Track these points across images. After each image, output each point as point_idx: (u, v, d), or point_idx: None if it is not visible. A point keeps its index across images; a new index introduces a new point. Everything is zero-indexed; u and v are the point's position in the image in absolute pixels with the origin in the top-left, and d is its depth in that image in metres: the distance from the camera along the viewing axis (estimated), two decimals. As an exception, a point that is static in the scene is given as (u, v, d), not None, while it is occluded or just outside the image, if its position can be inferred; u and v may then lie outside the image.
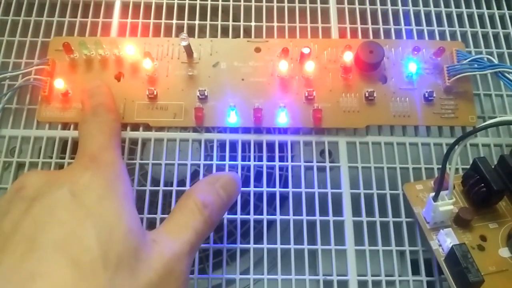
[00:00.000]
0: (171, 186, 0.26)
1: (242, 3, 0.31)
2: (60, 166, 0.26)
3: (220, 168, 0.27)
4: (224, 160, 0.27)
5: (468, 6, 0.32)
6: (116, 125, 0.24)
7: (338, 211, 0.26)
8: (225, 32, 0.30)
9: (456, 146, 0.22)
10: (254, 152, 0.27)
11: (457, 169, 0.25)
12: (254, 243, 0.25)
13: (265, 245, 0.25)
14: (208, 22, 0.31)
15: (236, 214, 0.26)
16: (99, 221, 0.18)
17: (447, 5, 0.32)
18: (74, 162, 0.22)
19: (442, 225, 0.24)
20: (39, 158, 0.27)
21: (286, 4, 0.31)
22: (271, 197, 0.26)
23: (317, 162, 0.27)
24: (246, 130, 0.28)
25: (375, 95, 0.28)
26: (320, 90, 0.28)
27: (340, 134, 0.28)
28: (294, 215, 0.26)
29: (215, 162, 0.27)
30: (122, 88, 0.28)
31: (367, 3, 0.32)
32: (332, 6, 0.32)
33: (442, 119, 0.28)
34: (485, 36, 0.31)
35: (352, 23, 0.31)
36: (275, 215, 0.26)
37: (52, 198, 0.19)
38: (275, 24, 0.31)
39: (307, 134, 0.28)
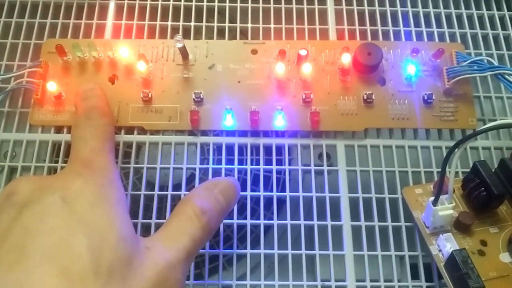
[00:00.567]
0: (167, 190, 0.26)
1: (238, 4, 0.31)
2: (54, 170, 0.26)
3: (216, 172, 0.26)
4: (221, 164, 0.26)
5: (467, 7, 0.32)
6: (109, 129, 0.24)
7: (336, 215, 0.26)
8: (221, 33, 0.30)
9: (456, 149, 0.22)
10: (251, 155, 0.27)
11: (457, 173, 0.25)
12: (251, 248, 0.25)
13: (262, 250, 0.25)
14: (204, 23, 0.30)
15: (233, 218, 0.25)
16: (91, 229, 0.18)
17: (446, 6, 0.32)
18: (67, 167, 0.22)
19: (442, 230, 0.24)
20: (32, 162, 0.26)
21: (283, 6, 0.31)
22: (269, 201, 0.26)
23: (315, 165, 0.27)
24: (243, 133, 0.27)
25: (373, 97, 0.28)
26: (317, 93, 0.28)
27: (338, 137, 0.28)
28: (291, 219, 0.25)
29: (211, 166, 0.26)
30: (116, 90, 0.27)
31: (365, 4, 0.32)
32: (330, 7, 0.31)
33: (442, 121, 0.28)
34: (485, 37, 0.31)
35: (350, 25, 0.31)
36: (273, 219, 0.25)
37: (43, 204, 0.18)
38: (272, 25, 0.30)
39: (304, 137, 0.27)
